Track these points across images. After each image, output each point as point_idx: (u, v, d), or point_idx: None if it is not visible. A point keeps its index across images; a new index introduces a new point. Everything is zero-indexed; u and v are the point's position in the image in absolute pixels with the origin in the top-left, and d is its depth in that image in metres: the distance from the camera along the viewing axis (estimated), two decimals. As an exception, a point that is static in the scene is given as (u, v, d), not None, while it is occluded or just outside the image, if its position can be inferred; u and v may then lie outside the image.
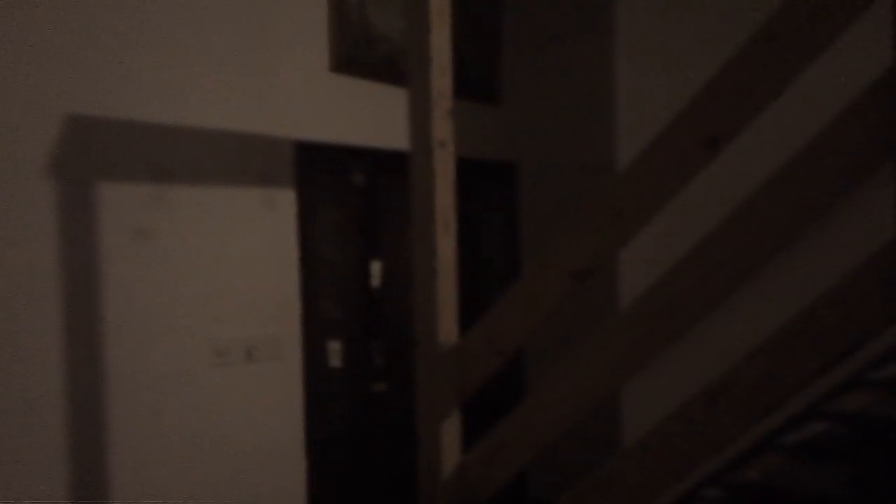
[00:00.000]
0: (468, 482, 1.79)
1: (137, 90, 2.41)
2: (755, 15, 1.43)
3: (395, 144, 3.19)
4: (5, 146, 2.11)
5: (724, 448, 1.43)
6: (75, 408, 2.26)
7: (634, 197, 1.51)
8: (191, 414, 2.56)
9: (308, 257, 2.98)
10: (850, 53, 1.85)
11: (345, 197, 3.18)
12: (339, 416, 3.13)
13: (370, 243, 3.27)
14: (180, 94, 2.53)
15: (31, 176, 2.17)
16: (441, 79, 1.79)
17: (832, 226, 2.38)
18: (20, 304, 2.14)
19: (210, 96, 2.61)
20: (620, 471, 1.55)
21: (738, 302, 2.01)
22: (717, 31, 2.53)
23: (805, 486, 2.02)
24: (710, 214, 1.56)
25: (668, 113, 1.48)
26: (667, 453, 1.48)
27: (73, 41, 2.25)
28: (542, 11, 3.92)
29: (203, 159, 2.60)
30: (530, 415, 1.69)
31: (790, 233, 1.35)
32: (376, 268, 3.28)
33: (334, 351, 3.11)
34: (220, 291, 2.64)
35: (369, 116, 3.19)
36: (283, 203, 2.86)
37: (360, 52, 3.13)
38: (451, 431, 1.83)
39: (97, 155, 2.32)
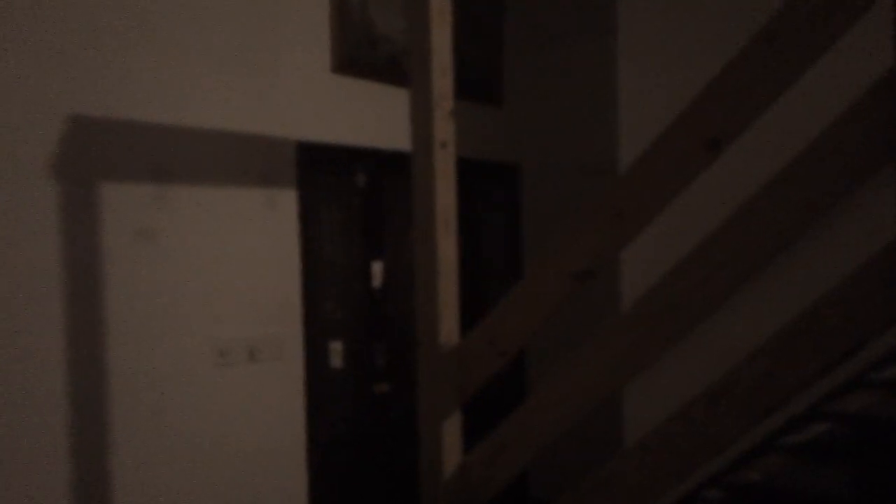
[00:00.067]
0: (470, 482, 1.79)
1: (139, 90, 2.41)
2: (757, 15, 1.44)
3: (396, 145, 3.19)
4: (7, 146, 2.12)
5: (725, 449, 1.43)
6: (77, 408, 2.26)
7: (635, 197, 1.51)
8: (192, 414, 2.56)
9: (310, 258, 2.98)
10: (851, 54, 1.85)
11: (346, 197, 3.18)
12: (340, 417, 3.13)
13: (372, 244, 3.27)
14: (182, 95, 2.53)
15: (32, 176, 2.17)
16: (442, 79, 1.79)
17: (833, 226, 2.38)
18: (21, 304, 2.14)
19: (212, 96, 2.62)
20: (621, 471, 1.55)
21: (740, 303, 2.01)
22: (719, 31, 2.54)
23: (806, 486, 2.02)
24: (712, 215, 1.56)
25: (669, 113, 1.48)
26: (668, 454, 1.48)
27: (74, 41, 2.25)
28: (543, 12, 3.92)
29: (205, 159, 2.60)
30: (531, 415, 1.70)
31: (791, 233, 1.35)
32: (378, 268, 3.29)
33: (336, 351, 3.11)
34: (221, 292, 2.65)
35: (371, 117, 3.19)
36: (285, 203, 2.86)
37: (362, 53, 3.14)
38: (452, 432, 1.83)
39: (99, 155, 2.32)
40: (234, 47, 2.68)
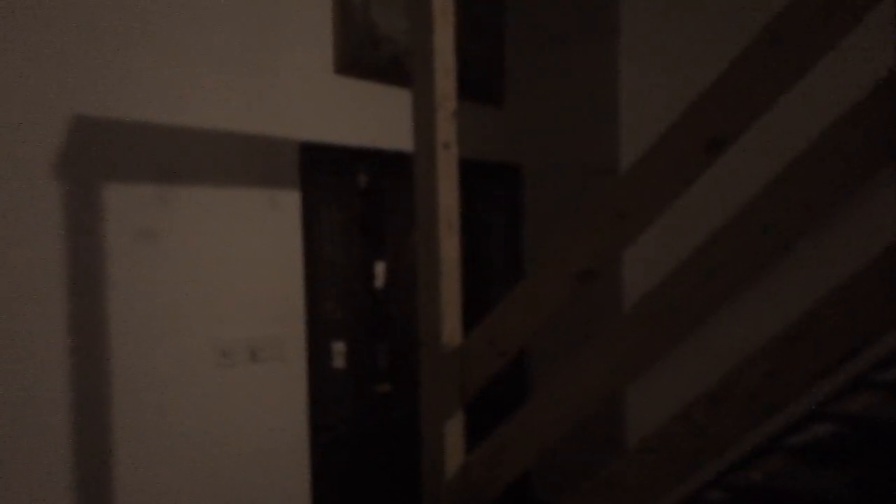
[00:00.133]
0: (472, 483, 1.80)
1: (142, 91, 2.42)
2: (759, 16, 1.44)
3: (398, 146, 3.19)
4: (9, 147, 2.12)
5: (726, 450, 1.43)
6: (78, 408, 2.27)
7: (637, 198, 1.52)
8: (194, 414, 2.56)
9: (312, 258, 2.98)
10: (852, 55, 1.85)
11: (349, 198, 3.18)
12: (342, 417, 3.13)
13: (374, 244, 3.27)
14: (185, 95, 2.53)
15: (33, 176, 2.17)
16: (444, 80, 1.79)
17: (834, 227, 2.38)
18: (24, 305, 2.15)
19: (214, 96, 2.62)
20: (622, 472, 1.55)
21: (741, 304, 2.01)
22: (721, 32, 2.54)
23: (808, 487, 2.02)
24: (717, 215, 1.56)
25: (670, 114, 1.48)
26: (669, 455, 1.48)
27: (75, 42, 2.26)
28: (545, 12, 3.92)
29: (207, 160, 2.61)
30: (533, 415, 1.70)
31: (792, 234, 1.35)
32: (380, 269, 3.29)
33: (338, 352, 3.11)
34: (223, 292, 2.65)
35: (373, 118, 3.19)
36: (288, 204, 2.87)
37: (365, 54, 3.14)
38: (454, 432, 1.83)
39: (100, 155, 2.33)
40: (236, 48, 2.68)
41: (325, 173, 3.06)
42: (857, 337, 1.26)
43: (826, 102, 1.66)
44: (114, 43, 2.35)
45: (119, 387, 2.36)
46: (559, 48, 3.85)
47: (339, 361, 3.11)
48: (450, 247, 1.81)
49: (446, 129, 1.80)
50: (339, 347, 3.11)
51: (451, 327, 1.81)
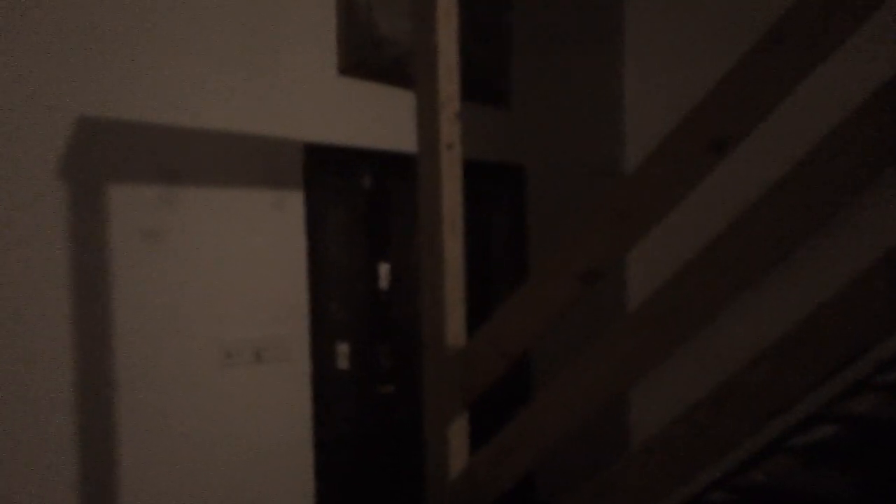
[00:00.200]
0: (475, 484, 1.80)
1: (145, 92, 2.43)
2: (763, 17, 1.43)
3: (402, 147, 3.19)
4: (14, 148, 2.13)
5: (728, 452, 1.43)
6: (83, 408, 2.27)
7: (640, 199, 1.52)
8: (198, 414, 2.57)
9: (316, 259, 2.99)
10: (855, 56, 1.85)
11: (353, 199, 3.18)
12: (346, 418, 3.14)
13: (378, 245, 3.27)
14: (189, 96, 2.54)
15: (38, 177, 2.18)
16: (448, 81, 1.79)
17: (836, 230, 2.38)
18: (27, 305, 2.16)
19: (218, 98, 2.63)
20: (625, 474, 1.55)
21: (743, 307, 2.00)
22: (725, 33, 2.53)
23: (811, 488, 2.02)
24: (720, 217, 1.56)
25: (674, 115, 1.48)
26: (671, 457, 1.48)
27: (77, 43, 2.26)
28: (549, 14, 3.92)
29: (211, 161, 2.61)
30: (537, 417, 1.70)
31: (794, 237, 1.35)
32: (384, 270, 3.29)
33: (342, 353, 3.11)
34: (228, 293, 2.65)
35: (377, 119, 3.20)
36: (292, 205, 2.87)
37: (368, 55, 3.14)
38: (458, 434, 1.83)
39: (105, 156, 2.33)
40: (240, 49, 2.69)
41: (329, 174, 3.06)
42: (860, 340, 1.26)
43: (829, 104, 1.66)
44: (117, 44, 2.36)
45: (123, 387, 2.37)
46: (563, 49, 3.85)
47: (342, 362, 3.11)
48: (454, 248, 1.81)
49: (450, 130, 1.79)
50: (342, 348, 3.11)
51: (454, 329, 1.81)
